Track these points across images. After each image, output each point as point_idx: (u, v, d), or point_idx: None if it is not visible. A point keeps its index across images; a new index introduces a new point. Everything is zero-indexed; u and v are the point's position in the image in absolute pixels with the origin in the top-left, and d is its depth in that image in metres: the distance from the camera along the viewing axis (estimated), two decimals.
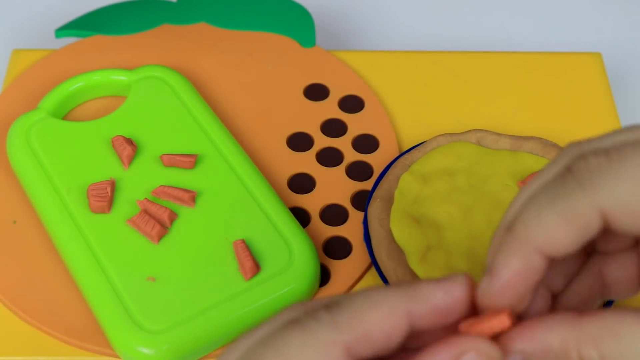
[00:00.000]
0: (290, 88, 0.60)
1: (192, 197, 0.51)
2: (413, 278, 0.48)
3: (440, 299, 0.34)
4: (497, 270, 0.34)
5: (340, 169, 0.56)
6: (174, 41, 0.62)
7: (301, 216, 0.53)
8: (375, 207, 0.51)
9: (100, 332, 0.48)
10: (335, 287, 0.51)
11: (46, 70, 0.60)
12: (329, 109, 0.59)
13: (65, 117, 0.58)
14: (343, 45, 0.69)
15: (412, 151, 0.54)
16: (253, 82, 0.60)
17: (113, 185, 0.52)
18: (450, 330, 0.34)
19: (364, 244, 0.52)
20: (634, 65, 0.68)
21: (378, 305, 0.33)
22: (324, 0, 0.72)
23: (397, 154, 0.56)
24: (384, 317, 0.33)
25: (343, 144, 0.57)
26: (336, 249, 0.52)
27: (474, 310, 0.34)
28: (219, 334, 0.47)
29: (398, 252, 0.49)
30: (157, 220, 0.50)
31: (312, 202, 0.54)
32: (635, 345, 0.32)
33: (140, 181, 0.52)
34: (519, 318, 0.35)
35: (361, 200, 0.54)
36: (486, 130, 0.54)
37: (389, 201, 0.51)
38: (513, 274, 0.34)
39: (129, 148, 0.53)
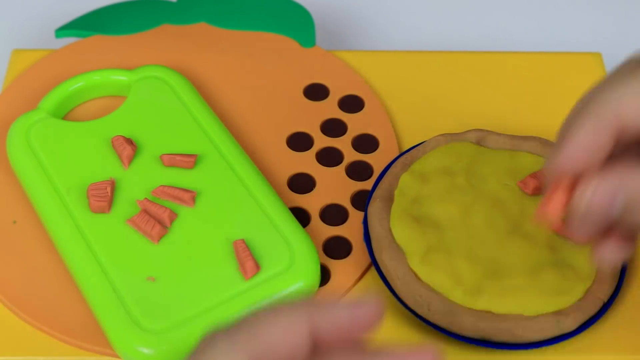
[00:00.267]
0: (290, 88, 0.60)
1: (192, 197, 0.51)
2: (413, 278, 0.48)
3: (344, 317, 0.33)
4: (571, 134, 0.37)
5: (340, 169, 0.56)
6: (174, 41, 0.62)
7: (301, 216, 0.53)
8: (375, 207, 0.51)
9: (100, 332, 0.48)
10: (335, 287, 0.51)
11: (46, 70, 0.60)
12: (328, 108, 0.59)
13: (65, 117, 0.58)
14: (343, 45, 0.69)
15: (412, 151, 0.54)
16: (253, 82, 0.60)
17: (113, 185, 0.52)
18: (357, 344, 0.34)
19: (364, 244, 0.52)
20: None
21: (277, 321, 0.33)
22: (324, 0, 0.72)
23: (397, 154, 0.56)
24: (284, 332, 0.33)
25: (343, 143, 0.57)
26: (336, 248, 0.52)
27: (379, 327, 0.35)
28: None
29: (398, 252, 0.49)
30: (157, 220, 0.50)
31: (312, 202, 0.54)
32: None
33: (140, 181, 0.52)
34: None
35: (361, 200, 0.54)
36: (486, 130, 0.54)
37: (389, 201, 0.51)
38: (585, 137, 0.36)
39: (128, 148, 0.53)
